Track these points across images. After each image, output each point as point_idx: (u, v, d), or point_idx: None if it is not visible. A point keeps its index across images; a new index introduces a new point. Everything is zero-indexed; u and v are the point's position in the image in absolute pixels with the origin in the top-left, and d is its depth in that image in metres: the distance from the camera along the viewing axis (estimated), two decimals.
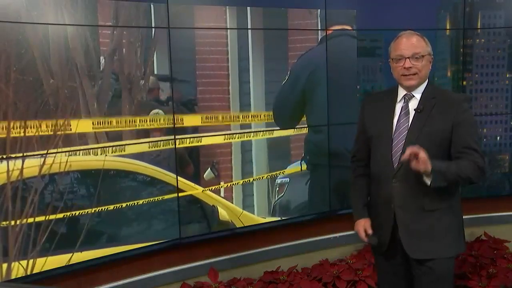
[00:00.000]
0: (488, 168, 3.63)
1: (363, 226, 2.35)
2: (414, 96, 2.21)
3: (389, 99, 2.27)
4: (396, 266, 2.31)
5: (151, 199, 2.81)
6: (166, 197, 2.86)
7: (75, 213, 2.57)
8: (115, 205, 2.70)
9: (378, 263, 2.43)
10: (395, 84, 2.28)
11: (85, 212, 2.60)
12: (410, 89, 2.21)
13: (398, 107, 2.24)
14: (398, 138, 2.19)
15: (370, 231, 2.32)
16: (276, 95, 3.19)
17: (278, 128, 3.19)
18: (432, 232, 2.19)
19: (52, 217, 2.50)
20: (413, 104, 2.21)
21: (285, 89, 3.21)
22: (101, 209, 2.66)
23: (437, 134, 2.13)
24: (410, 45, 2.17)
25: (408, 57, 2.15)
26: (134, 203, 2.76)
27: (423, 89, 2.21)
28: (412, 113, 2.19)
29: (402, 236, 2.20)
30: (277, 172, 3.23)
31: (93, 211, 2.62)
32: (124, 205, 2.73)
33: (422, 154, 1.95)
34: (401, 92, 2.24)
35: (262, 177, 3.18)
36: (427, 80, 2.23)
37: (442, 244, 2.20)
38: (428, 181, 2.04)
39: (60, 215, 2.52)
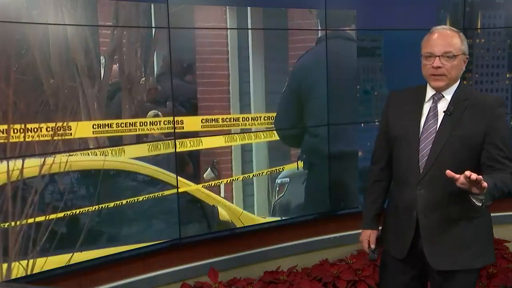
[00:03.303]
0: None
1: (368, 238, 2.25)
2: (444, 96, 2.05)
3: (417, 98, 2.10)
4: (411, 276, 2.17)
5: (150, 195, 2.81)
6: (165, 193, 2.86)
7: (75, 213, 2.57)
8: (115, 202, 2.69)
9: (387, 269, 2.27)
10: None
11: (85, 210, 2.60)
12: (439, 89, 2.05)
13: (426, 107, 2.08)
14: (426, 141, 2.03)
15: (373, 246, 2.24)
16: (277, 108, 3.19)
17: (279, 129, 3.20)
18: (458, 242, 2.04)
19: (52, 217, 2.50)
20: (442, 106, 2.05)
21: (285, 98, 3.21)
22: (101, 208, 2.66)
23: (468, 139, 1.98)
24: (442, 42, 2.00)
25: (438, 56, 1.99)
26: (134, 200, 2.76)
27: (454, 90, 2.05)
28: (441, 115, 2.04)
29: (425, 246, 2.04)
30: (277, 168, 3.22)
31: (93, 208, 2.62)
32: (124, 202, 2.72)
33: (476, 176, 1.74)
34: (430, 91, 2.08)
35: (262, 173, 3.17)
36: (458, 80, 2.07)
37: (468, 255, 2.05)
38: (478, 203, 1.86)
39: (61, 215, 2.52)
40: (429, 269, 2.10)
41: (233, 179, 3.10)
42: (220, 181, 3.06)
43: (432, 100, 2.08)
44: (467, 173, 1.74)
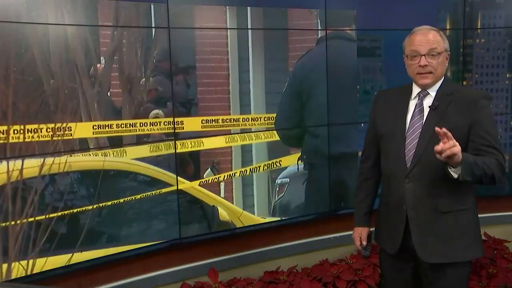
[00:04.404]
0: None
1: (360, 234, 2.32)
2: (429, 93, 2.12)
3: (403, 96, 2.18)
4: (404, 272, 2.20)
5: (150, 194, 2.80)
6: (165, 193, 2.85)
7: (75, 213, 2.57)
8: (115, 202, 2.69)
9: (384, 267, 2.34)
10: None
11: (85, 210, 2.60)
12: (425, 86, 2.12)
13: (412, 104, 2.14)
14: (412, 136, 2.09)
15: (364, 242, 2.31)
16: (278, 108, 3.18)
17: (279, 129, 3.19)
18: (447, 235, 2.07)
19: (52, 217, 2.49)
20: (427, 102, 2.11)
21: (285, 99, 3.20)
22: (101, 208, 2.65)
23: (454, 132, 1.97)
24: (426, 41, 2.07)
25: (424, 54, 2.06)
26: (133, 198, 2.75)
27: (438, 86, 2.12)
28: (426, 111, 2.10)
29: (415, 240, 2.08)
30: (274, 161, 3.21)
31: (93, 209, 2.62)
32: (122, 200, 2.71)
33: (445, 130, 1.80)
34: (416, 89, 2.15)
35: (259, 167, 3.16)
36: (443, 77, 2.14)
37: (459, 247, 2.08)
38: (455, 174, 1.88)
39: (60, 215, 2.52)
40: (422, 265, 2.14)
41: (230, 174, 3.08)
42: (217, 176, 3.04)
43: (418, 97, 2.14)
44: (437, 128, 1.79)
